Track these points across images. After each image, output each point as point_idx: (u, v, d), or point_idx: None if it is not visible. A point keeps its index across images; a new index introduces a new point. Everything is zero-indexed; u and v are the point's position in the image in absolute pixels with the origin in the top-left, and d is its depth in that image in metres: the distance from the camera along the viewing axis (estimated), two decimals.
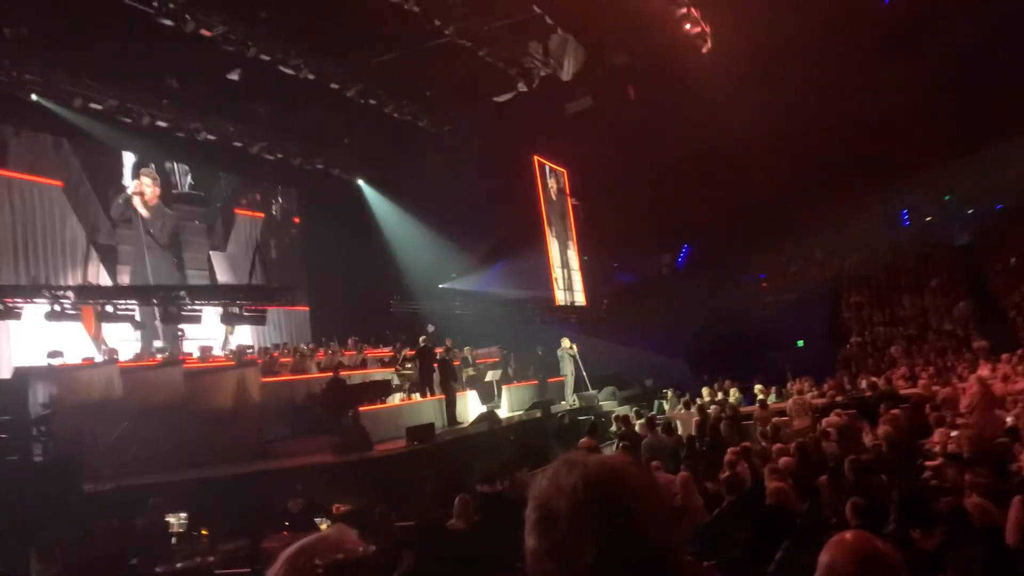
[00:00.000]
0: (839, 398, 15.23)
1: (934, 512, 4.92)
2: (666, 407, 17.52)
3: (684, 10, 17.33)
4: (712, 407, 14.95)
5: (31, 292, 13.75)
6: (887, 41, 21.81)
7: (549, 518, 1.14)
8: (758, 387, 16.95)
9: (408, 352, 17.16)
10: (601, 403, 18.78)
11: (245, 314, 15.52)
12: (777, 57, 20.75)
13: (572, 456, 1.23)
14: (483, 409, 16.21)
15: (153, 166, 18.95)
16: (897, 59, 21.68)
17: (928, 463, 7.85)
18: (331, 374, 14.14)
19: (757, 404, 15.03)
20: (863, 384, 15.90)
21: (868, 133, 24.16)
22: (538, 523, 1.16)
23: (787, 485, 6.73)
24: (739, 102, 20.35)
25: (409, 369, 16.48)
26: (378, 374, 16.34)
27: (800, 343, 23.52)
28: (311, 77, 16.63)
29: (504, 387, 17.93)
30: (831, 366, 19.91)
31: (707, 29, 18.10)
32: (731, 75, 19.28)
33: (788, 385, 17.61)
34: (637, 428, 13.13)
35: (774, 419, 13.12)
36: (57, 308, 13.33)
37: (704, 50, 18.48)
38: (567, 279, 23.83)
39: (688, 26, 17.60)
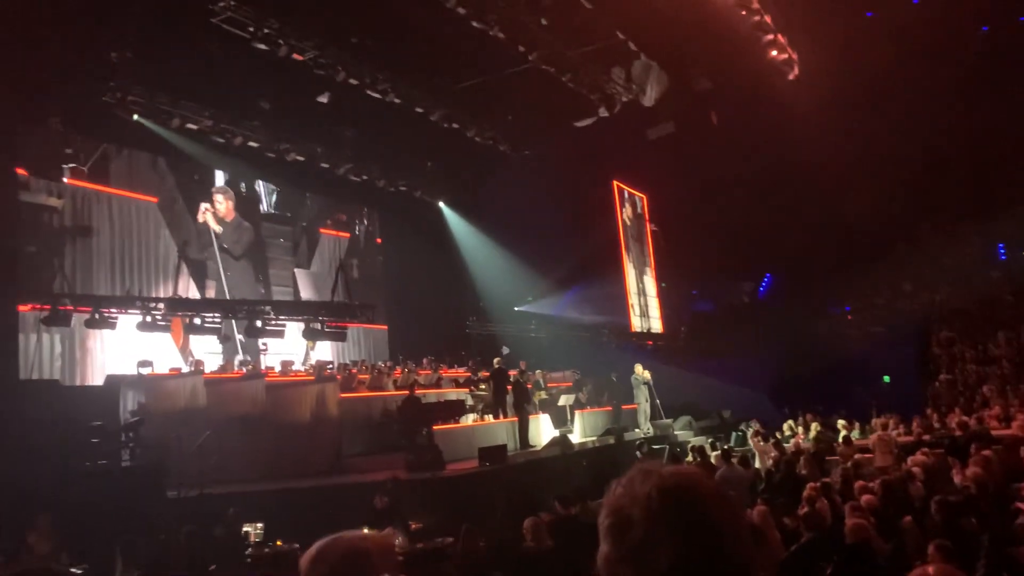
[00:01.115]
0: (926, 436, 14.63)
1: None
2: (750, 439, 17.11)
3: (771, 36, 17.11)
4: (792, 441, 14.55)
5: (125, 303, 14.37)
6: (983, 70, 21.07)
7: (623, 525, 1.14)
8: (841, 422, 16.41)
9: (483, 373, 17.23)
10: (677, 432, 18.48)
11: (326, 330, 15.86)
12: (867, 85, 20.26)
13: (646, 465, 1.22)
14: (555, 433, 16.14)
15: (225, 183, 19.52)
16: (994, 89, 20.92)
17: (1021, 506, 7.45)
18: (407, 392, 14.32)
19: (840, 440, 14.56)
20: (953, 423, 15.23)
21: (964, 164, 23.31)
22: (611, 529, 1.15)
23: (869, 523, 6.48)
24: (826, 129, 19.91)
25: (483, 390, 16.55)
26: (452, 394, 16.46)
27: (886, 378, 22.69)
28: (397, 101, 17.03)
29: (577, 412, 17.82)
30: (918, 403, 19.15)
31: (794, 56, 17.83)
32: (818, 102, 18.90)
33: (872, 421, 17.00)
34: (712, 459, 12.86)
35: (856, 455, 12.68)
36: (148, 319, 13.88)
37: (791, 77, 18.20)
38: (643, 305, 23.60)
39: (775, 52, 17.37)
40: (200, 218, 18.64)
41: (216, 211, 19.06)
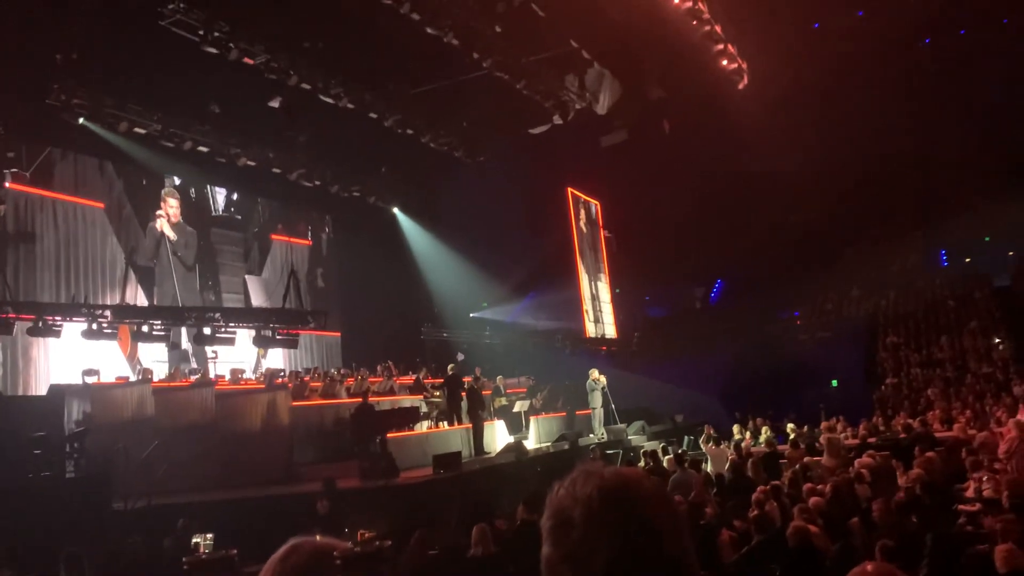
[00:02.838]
0: (873, 439, 14.95)
1: (967, 558, 4.80)
2: (701, 444, 17.30)
3: (721, 46, 17.41)
4: (743, 444, 14.75)
5: (70, 310, 14.01)
6: (927, 79, 21.70)
7: (564, 526, 1.15)
8: (790, 426, 16.68)
9: (431, 380, 17.18)
10: (630, 437, 18.60)
11: (278, 337, 15.65)
12: (814, 94, 20.76)
13: (589, 467, 1.24)
14: (510, 439, 16.14)
15: (171, 188, 19.16)
16: (937, 97, 21.55)
17: (963, 508, 7.66)
18: (360, 399, 14.19)
19: (789, 443, 14.79)
20: (898, 426, 15.58)
21: (907, 171, 23.97)
22: (553, 531, 1.16)
23: (814, 526, 6.60)
24: (775, 138, 20.34)
25: (437, 397, 16.49)
26: (407, 401, 16.36)
27: (834, 382, 23.15)
28: (350, 106, 16.91)
29: (532, 418, 17.84)
30: (866, 406, 19.55)
31: (744, 65, 18.16)
32: (767, 111, 19.30)
33: (821, 424, 17.32)
34: (665, 464, 12.98)
35: (805, 459, 12.90)
36: (94, 327, 13.56)
37: (740, 86, 18.52)
38: (597, 311, 23.77)
39: (725, 62, 17.67)
40: (157, 227, 18.33)
41: (168, 215, 18.74)
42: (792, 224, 24.57)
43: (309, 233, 22.97)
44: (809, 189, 23.24)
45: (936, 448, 11.65)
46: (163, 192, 18.83)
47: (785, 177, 22.92)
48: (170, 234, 18.75)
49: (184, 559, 6.23)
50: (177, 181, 18.96)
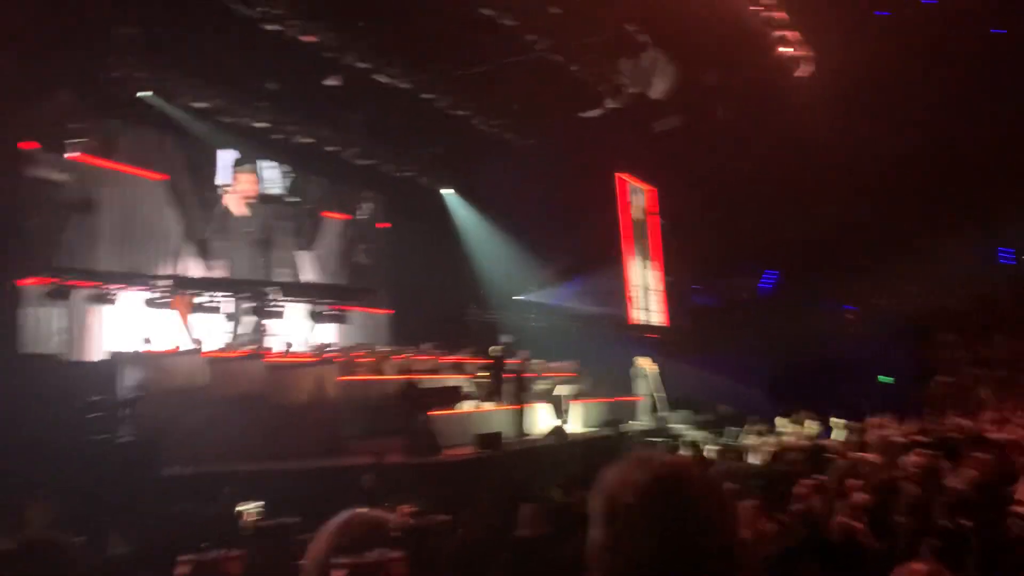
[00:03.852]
0: (921, 437, 14.64)
1: (1016, 562, 4.70)
2: (742, 436, 17.14)
3: (781, 32, 17.05)
4: (788, 438, 14.58)
5: (128, 280, 14.39)
6: (994, 72, 20.99)
7: (615, 511, 1.16)
8: (837, 421, 16.43)
9: (474, 360, 17.28)
10: (674, 426, 18.51)
11: (328, 313, 15.91)
12: (876, 84, 20.19)
13: (643, 453, 1.25)
14: (552, 423, 16.19)
15: (246, 165, 19.55)
16: (1003, 92, 20.84)
17: (1014, 510, 7.48)
18: (406, 377, 14.36)
19: (835, 438, 14.57)
20: (948, 425, 15.24)
21: (969, 167, 23.27)
22: (604, 516, 1.17)
23: (858, 522, 6.51)
24: (835, 128, 19.87)
25: (482, 378, 16.60)
26: (451, 380, 16.50)
27: (883, 379, 22.72)
28: (404, 86, 16.99)
29: (574, 403, 17.85)
30: (915, 404, 19.16)
31: (804, 53, 17.76)
32: (827, 100, 18.85)
33: (868, 420, 17.02)
34: (707, 454, 12.90)
35: (851, 454, 12.70)
36: (151, 296, 13.92)
37: (800, 74, 18.13)
38: (644, 298, 23.61)
39: (784, 48, 17.31)
40: (226, 202, 18.67)
41: (239, 191, 19.05)
42: (847, 217, 24.04)
43: (360, 212, 23.17)
44: (866, 181, 22.71)
45: (987, 449, 11.35)
46: (235, 168, 19.16)
47: (842, 168, 22.43)
48: (239, 210, 19.08)
49: (241, 523, 6.38)
50: (234, 156, 19.25)
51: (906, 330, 23.84)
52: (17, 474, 9.24)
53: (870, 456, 12.93)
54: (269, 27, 14.31)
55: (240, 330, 17.44)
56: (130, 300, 13.93)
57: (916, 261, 24.83)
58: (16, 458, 9.53)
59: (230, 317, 16.44)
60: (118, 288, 13.86)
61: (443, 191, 23.66)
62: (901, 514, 7.22)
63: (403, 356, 17.41)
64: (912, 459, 10.80)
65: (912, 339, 23.64)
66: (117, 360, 13.62)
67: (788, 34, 17.14)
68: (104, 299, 13.58)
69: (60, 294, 13.32)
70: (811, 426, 17.18)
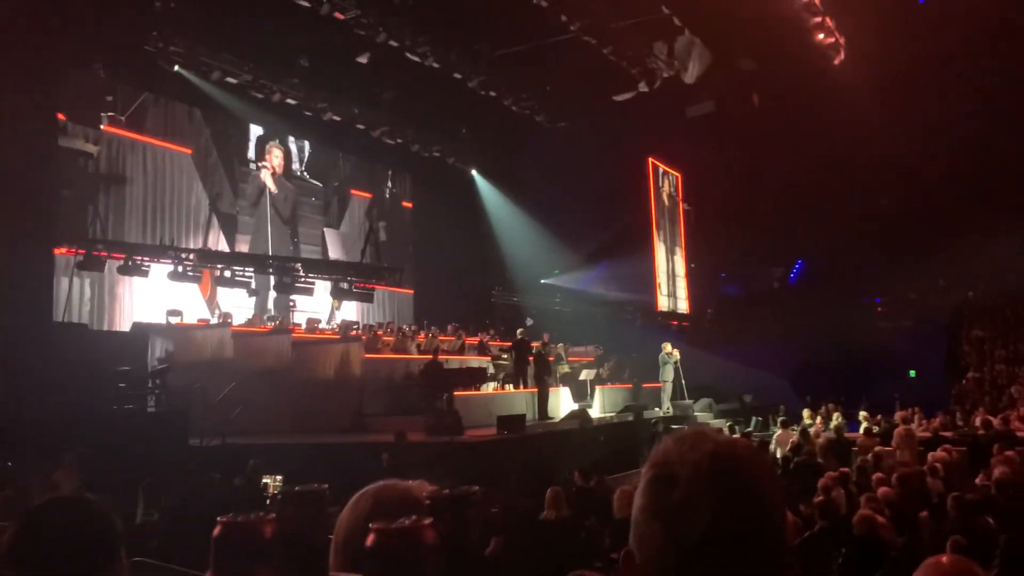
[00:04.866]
0: (949, 433, 14.47)
1: None
2: (771, 425, 17.02)
3: (818, 19, 16.75)
4: (813, 429, 14.47)
5: (158, 252, 14.53)
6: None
7: (666, 482, 1.14)
8: (863, 414, 16.27)
9: (498, 342, 17.29)
10: (697, 414, 18.43)
11: (354, 291, 15.98)
12: (912, 74, 19.79)
13: (703, 429, 1.23)
14: (575, 407, 16.18)
15: (278, 140, 19.67)
16: None
17: None
18: (430, 356, 14.39)
19: (862, 431, 14.44)
20: (976, 422, 15.03)
21: (1005, 159, 22.79)
22: (653, 483, 1.15)
23: (882, 516, 6.45)
24: (869, 117, 19.53)
25: (505, 360, 16.61)
26: (475, 361, 16.54)
27: (912, 373, 22.44)
28: (436, 66, 16.94)
29: (597, 387, 17.83)
30: (944, 400, 18.94)
31: (841, 40, 17.46)
32: (863, 89, 18.52)
33: (895, 415, 16.83)
34: None
35: (876, 448, 12.59)
36: (180, 269, 14.05)
37: (836, 61, 17.84)
38: (671, 285, 23.48)
39: (821, 35, 17.02)
40: (261, 177, 18.81)
41: (272, 167, 19.21)
42: (879, 208, 23.68)
43: (388, 191, 23.23)
44: (900, 173, 22.35)
45: (1016, 447, 11.19)
46: (268, 144, 19.30)
47: (876, 158, 22.09)
48: (272, 186, 19.21)
49: (277, 491, 6.41)
50: (261, 131, 19.35)
51: (938, 324, 23.50)
52: (46, 439, 9.41)
53: (896, 450, 12.85)
54: (302, 3, 14.31)
55: (267, 305, 17.59)
56: (160, 272, 14.09)
57: (948, 254, 24.43)
58: (46, 423, 9.69)
59: (256, 292, 16.58)
60: (149, 260, 14.01)
61: (472, 172, 23.62)
62: (925, 509, 7.14)
63: (427, 335, 17.47)
64: (938, 455, 10.70)
65: (942, 333, 23.30)
66: (146, 331, 13.78)
67: (825, 20, 16.84)
68: (135, 270, 13.73)
69: (93, 264, 13.47)
70: (837, 419, 17.04)
